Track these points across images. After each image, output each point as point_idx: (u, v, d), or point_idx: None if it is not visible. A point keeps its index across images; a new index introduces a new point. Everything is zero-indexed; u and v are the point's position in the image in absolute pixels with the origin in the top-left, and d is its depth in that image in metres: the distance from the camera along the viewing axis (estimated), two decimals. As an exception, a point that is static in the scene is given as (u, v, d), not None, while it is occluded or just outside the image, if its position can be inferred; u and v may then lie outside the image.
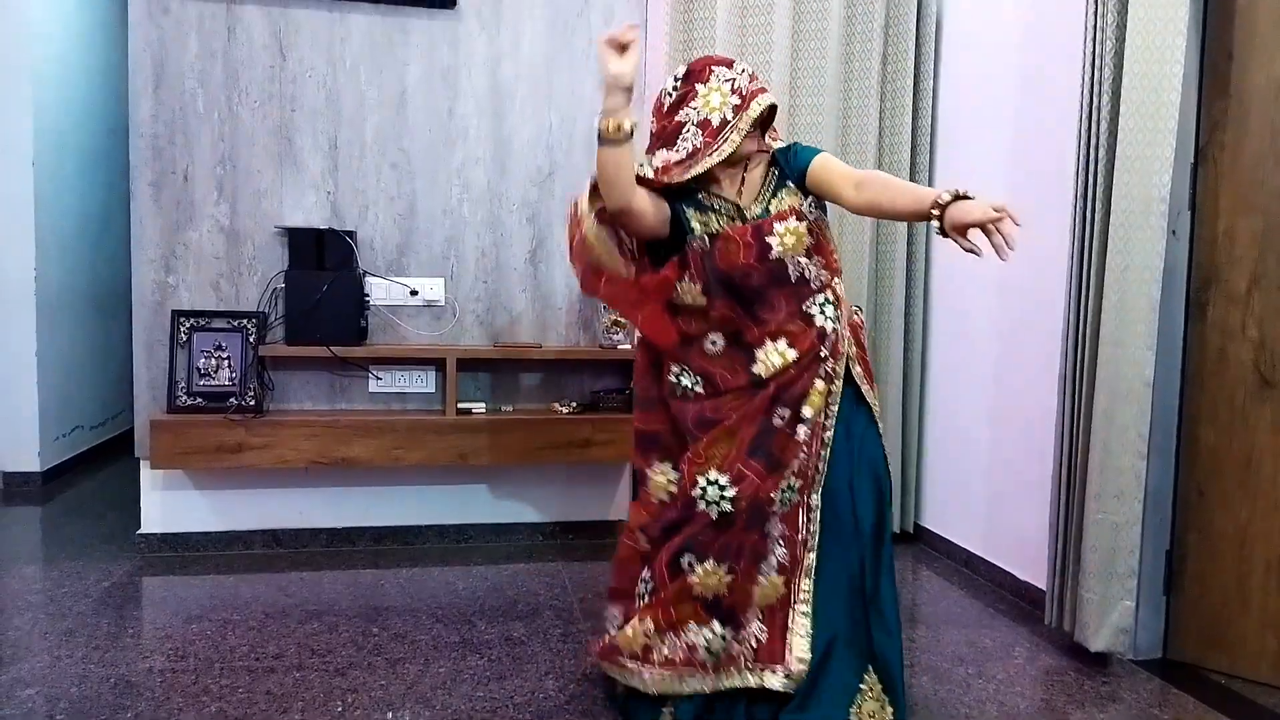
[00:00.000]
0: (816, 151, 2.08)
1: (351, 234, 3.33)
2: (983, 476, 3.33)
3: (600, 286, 2.12)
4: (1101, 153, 2.51)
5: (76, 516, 3.87)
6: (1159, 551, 2.64)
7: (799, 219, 2.01)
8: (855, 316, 2.17)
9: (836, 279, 2.10)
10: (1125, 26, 2.44)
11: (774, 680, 2.00)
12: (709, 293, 2.03)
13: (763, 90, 2.02)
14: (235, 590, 3.01)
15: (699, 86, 2.02)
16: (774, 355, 2.01)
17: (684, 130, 2.01)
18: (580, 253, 2.09)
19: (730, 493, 1.97)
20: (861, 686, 2.02)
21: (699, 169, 1.99)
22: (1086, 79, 2.55)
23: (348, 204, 3.39)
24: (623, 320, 3.48)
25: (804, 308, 2.03)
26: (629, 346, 3.49)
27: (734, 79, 2.02)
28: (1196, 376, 2.58)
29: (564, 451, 3.40)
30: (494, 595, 3.04)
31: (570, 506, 3.67)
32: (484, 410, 3.43)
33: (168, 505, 3.36)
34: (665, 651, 2.03)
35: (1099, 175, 2.52)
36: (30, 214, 4.16)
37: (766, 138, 2.11)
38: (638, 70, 1.95)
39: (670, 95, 2.08)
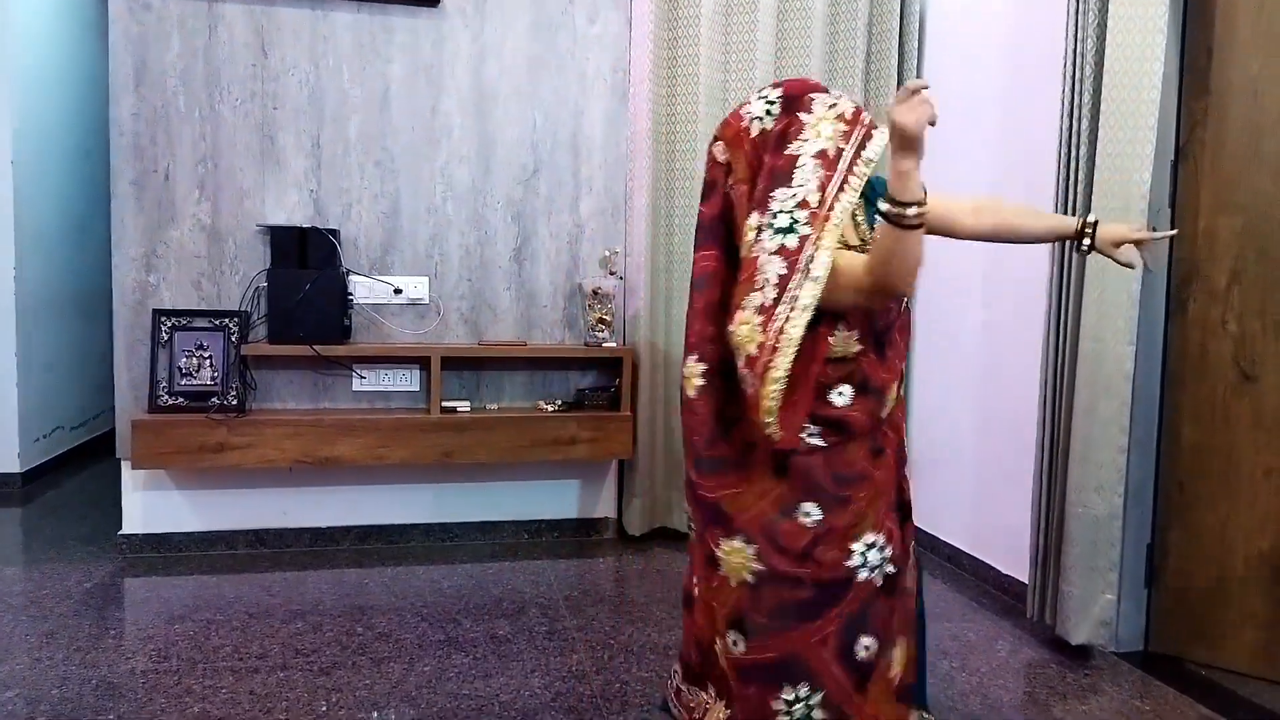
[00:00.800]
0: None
1: (335, 232, 3.32)
2: (967, 472, 3.35)
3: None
4: (1083, 150, 2.53)
5: (57, 518, 3.84)
6: (1140, 545, 2.66)
7: None
8: None
9: None
10: (1106, 25, 2.46)
11: None
12: (863, 339, 1.74)
13: (875, 125, 1.73)
14: (218, 590, 3.00)
15: (804, 116, 1.72)
16: (894, 394, 1.80)
17: (798, 165, 1.68)
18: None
19: (887, 552, 1.73)
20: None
21: (845, 203, 1.65)
22: (1068, 76, 2.57)
23: (331, 202, 3.37)
24: (608, 318, 3.48)
25: (904, 339, 1.85)
26: (614, 345, 3.50)
27: (836, 104, 1.75)
28: (1177, 372, 2.60)
29: (549, 449, 3.40)
30: (479, 593, 3.03)
31: (556, 504, 3.67)
32: (468, 409, 3.43)
33: (149, 506, 3.33)
34: None
35: (1080, 172, 2.54)
36: (10, 213, 4.12)
37: None
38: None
39: (762, 120, 1.75)
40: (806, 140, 1.69)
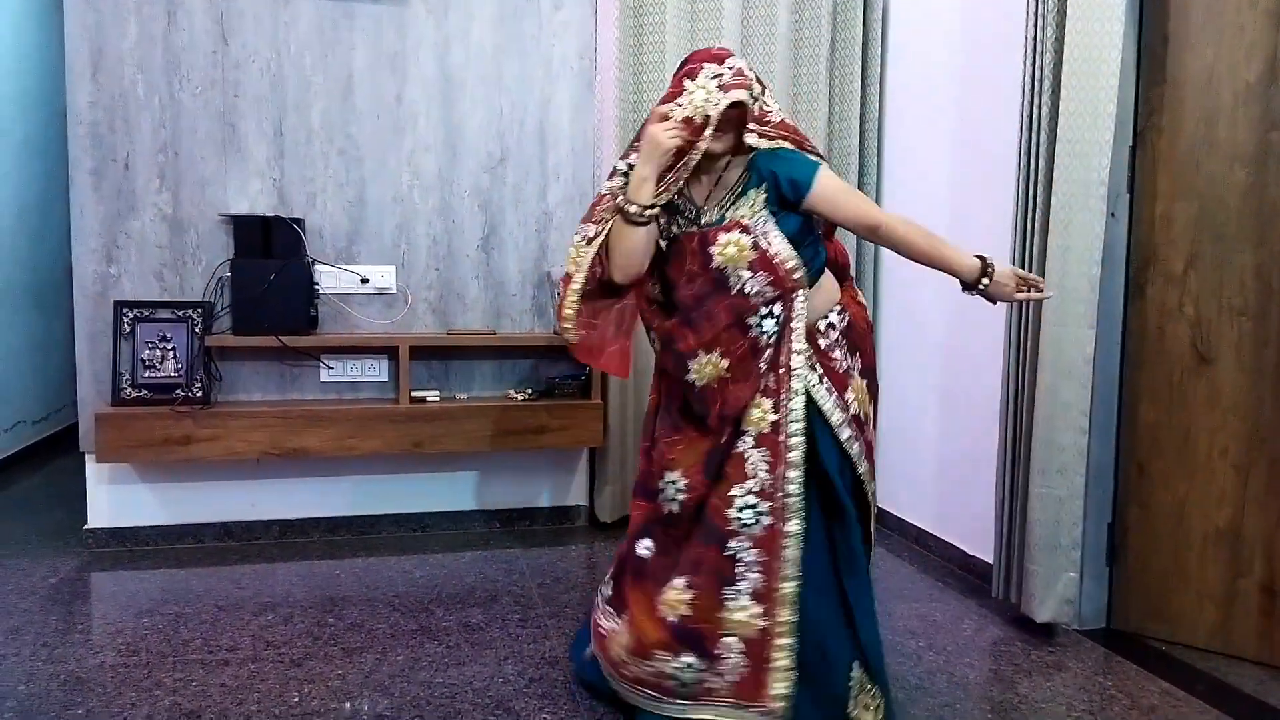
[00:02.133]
0: (815, 167, 1.97)
1: (299, 222, 3.29)
2: (932, 455, 3.40)
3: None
4: (1043, 137, 2.56)
5: (21, 513, 3.78)
6: (1101, 525, 2.71)
7: (744, 232, 1.94)
8: (824, 322, 2.07)
9: (799, 293, 1.98)
10: (1065, 13, 2.49)
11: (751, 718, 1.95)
12: (671, 303, 2.06)
13: (739, 86, 1.88)
14: (187, 584, 2.97)
15: (687, 82, 1.90)
16: (708, 366, 1.99)
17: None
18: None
19: (682, 497, 2.04)
20: (850, 684, 2.00)
21: (644, 163, 1.91)
22: (1029, 64, 2.61)
23: (295, 191, 3.34)
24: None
25: (744, 319, 1.98)
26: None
27: (722, 73, 1.89)
28: (1136, 354, 2.65)
29: (519, 438, 3.40)
30: (451, 583, 3.03)
31: (527, 493, 3.67)
32: (438, 398, 3.42)
33: (115, 499, 3.30)
34: (636, 671, 2.05)
35: (1040, 159, 2.57)
36: (-36, 204, 4.05)
37: (754, 137, 1.99)
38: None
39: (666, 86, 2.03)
40: (681, 105, 1.89)
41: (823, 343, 2.05)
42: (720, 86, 1.87)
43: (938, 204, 3.30)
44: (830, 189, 1.97)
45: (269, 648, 2.50)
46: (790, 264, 1.96)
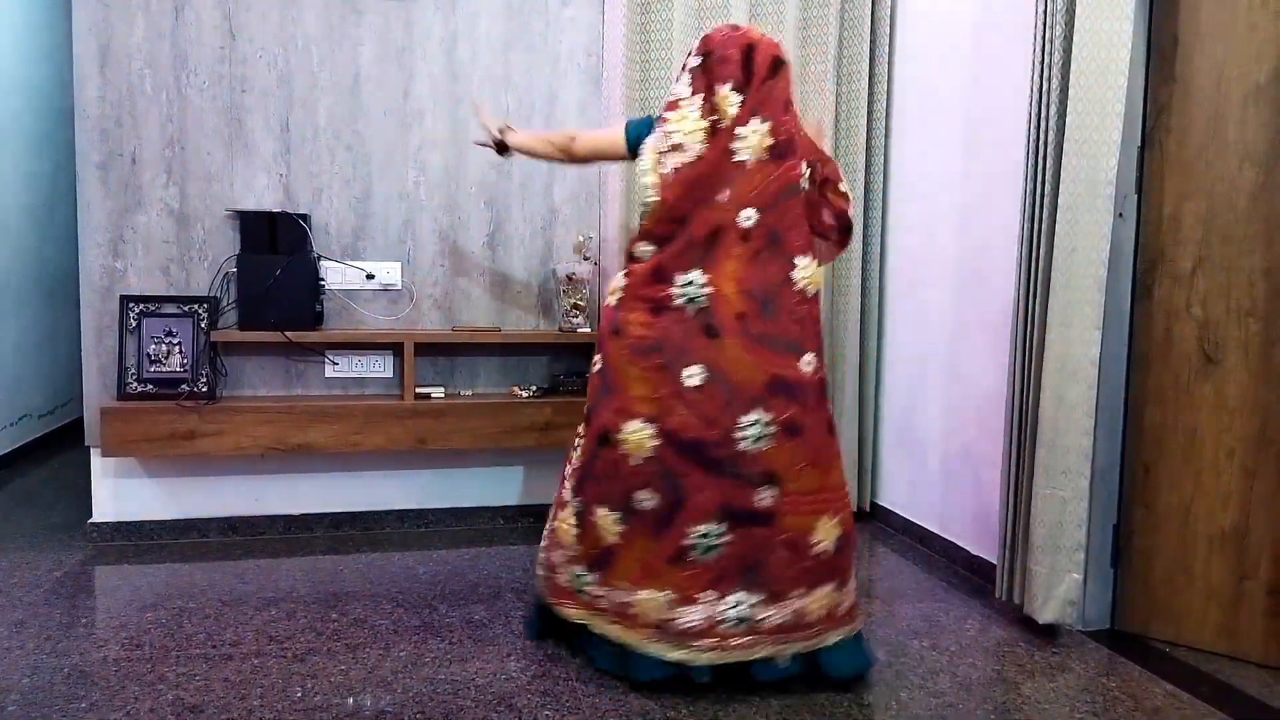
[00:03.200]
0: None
1: (305, 217, 3.29)
2: (937, 455, 3.39)
3: None
4: (1051, 136, 2.55)
5: (26, 506, 3.79)
6: (1106, 526, 2.70)
7: None
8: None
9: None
10: (1074, 11, 2.48)
11: None
12: None
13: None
14: (191, 578, 2.98)
15: None
16: None
17: None
18: None
19: None
20: None
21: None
22: (1037, 63, 2.59)
23: (301, 187, 3.34)
24: (582, 304, 3.48)
25: None
26: (588, 330, 3.50)
27: None
28: (1142, 355, 2.64)
29: (524, 435, 3.40)
30: (455, 579, 3.03)
31: (531, 490, 3.67)
32: (443, 395, 3.42)
33: (120, 493, 3.31)
34: None
35: (1048, 158, 2.56)
36: (-28, 197, 4.06)
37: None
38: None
39: None
40: None
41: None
42: None
43: (945, 202, 3.29)
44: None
45: (272, 643, 2.50)
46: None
